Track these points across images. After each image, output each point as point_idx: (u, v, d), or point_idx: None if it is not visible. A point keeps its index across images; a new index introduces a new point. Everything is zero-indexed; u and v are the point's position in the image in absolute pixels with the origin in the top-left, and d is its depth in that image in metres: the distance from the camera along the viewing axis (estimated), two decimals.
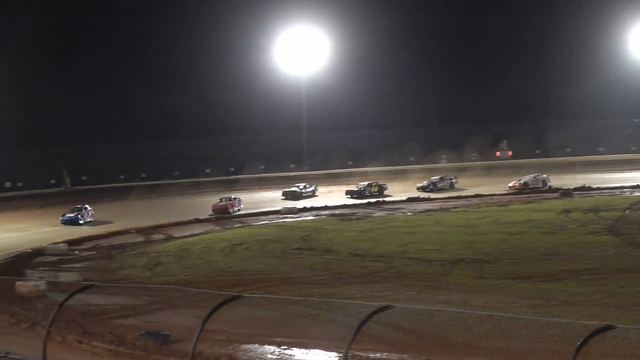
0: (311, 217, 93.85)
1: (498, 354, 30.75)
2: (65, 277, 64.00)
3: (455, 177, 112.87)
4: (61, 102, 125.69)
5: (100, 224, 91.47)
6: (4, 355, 21.31)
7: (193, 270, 62.98)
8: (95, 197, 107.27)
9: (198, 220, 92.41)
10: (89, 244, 79.91)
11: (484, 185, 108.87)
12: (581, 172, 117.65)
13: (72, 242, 79.30)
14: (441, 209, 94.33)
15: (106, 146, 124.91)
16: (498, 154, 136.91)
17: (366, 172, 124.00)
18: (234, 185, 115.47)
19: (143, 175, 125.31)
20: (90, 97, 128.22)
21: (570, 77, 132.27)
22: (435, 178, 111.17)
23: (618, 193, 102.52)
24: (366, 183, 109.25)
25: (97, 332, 43.71)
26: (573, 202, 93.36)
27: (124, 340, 41.95)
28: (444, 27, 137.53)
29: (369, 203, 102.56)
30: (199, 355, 17.72)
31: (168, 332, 40.91)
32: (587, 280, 50.97)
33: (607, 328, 16.41)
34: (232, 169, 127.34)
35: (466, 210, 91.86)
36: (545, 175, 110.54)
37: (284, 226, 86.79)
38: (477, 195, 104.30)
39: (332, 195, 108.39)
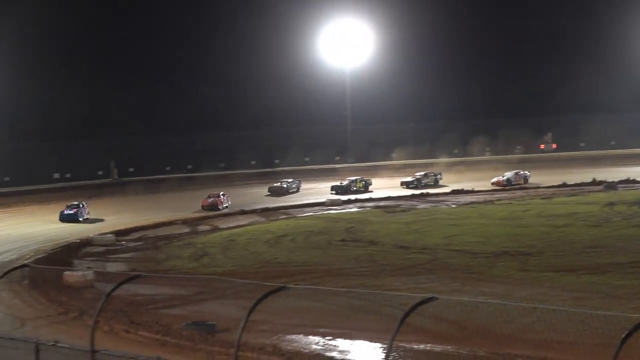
0: (355, 209, 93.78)
1: (542, 346, 30.64)
2: (112, 267, 64.40)
3: (440, 174, 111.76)
4: (110, 96, 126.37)
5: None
6: (52, 344, 21.42)
7: (238, 261, 63.08)
8: (140, 188, 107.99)
9: (243, 212, 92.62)
10: (135, 235, 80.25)
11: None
12: (625, 165, 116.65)
13: (119, 233, 79.70)
14: (485, 202, 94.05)
15: (153, 138, 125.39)
16: (542, 146, 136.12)
17: (409, 164, 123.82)
18: (277, 176, 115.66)
19: (189, 166, 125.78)
20: (138, 91, 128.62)
21: (613, 71, 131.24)
22: (420, 174, 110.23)
23: None
24: (353, 178, 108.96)
25: (144, 322, 43.95)
26: (617, 195, 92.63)
27: (171, 330, 42.18)
28: (486, 20, 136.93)
29: (413, 195, 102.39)
30: (244, 345, 17.75)
31: (214, 322, 41.06)
32: (631, 273, 50.61)
33: None
34: (276, 161, 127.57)
35: (510, 203, 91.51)
36: (527, 172, 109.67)
37: (329, 218, 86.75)
38: (521, 188, 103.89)
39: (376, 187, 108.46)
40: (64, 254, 70.21)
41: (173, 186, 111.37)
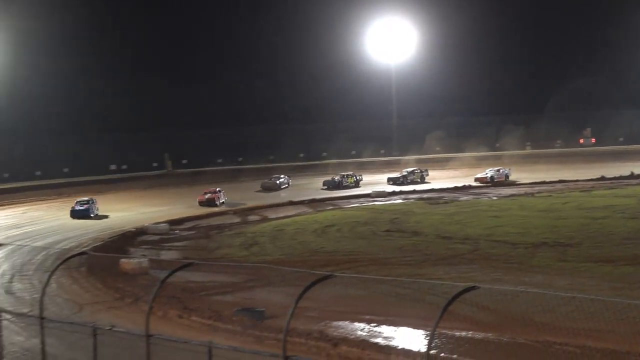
0: (400, 201, 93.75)
1: (580, 334, 30.46)
2: (166, 255, 64.69)
3: (426, 170, 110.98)
4: (164, 91, 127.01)
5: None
6: (109, 328, 21.55)
7: (287, 250, 63.17)
8: (194, 180, 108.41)
9: (291, 203, 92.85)
10: (188, 224, 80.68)
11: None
12: None
13: (173, 222, 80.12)
14: (525, 194, 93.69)
15: (205, 131, 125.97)
16: (581, 141, 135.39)
17: (453, 157, 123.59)
18: (325, 169, 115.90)
19: (240, 159, 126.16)
20: (192, 86, 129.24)
21: None
22: (406, 171, 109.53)
23: None
24: (344, 173, 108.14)
25: (196, 307, 44.13)
26: None
27: (222, 316, 42.31)
28: (524, 17, 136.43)
29: (455, 187, 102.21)
30: (292, 331, 17.80)
31: (263, 309, 41.14)
32: None
33: None
34: (324, 154, 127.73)
35: (550, 196, 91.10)
36: (507, 169, 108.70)
37: (374, 209, 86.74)
38: (560, 181, 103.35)
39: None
40: (120, 242, 70.77)
41: (226, 177, 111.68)
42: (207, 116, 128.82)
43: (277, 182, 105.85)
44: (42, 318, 22.56)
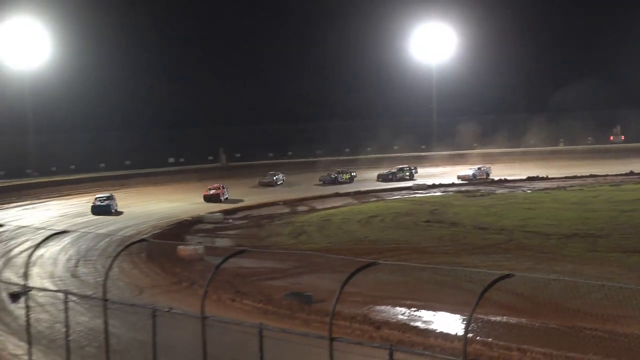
0: (439, 193, 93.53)
1: (609, 320, 30.29)
2: (220, 242, 64.90)
3: (415, 167, 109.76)
4: (220, 89, 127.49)
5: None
6: (167, 310, 21.69)
7: (333, 239, 63.20)
8: (246, 172, 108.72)
9: (337, 194, 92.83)
10: (241, 214, 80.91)
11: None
12: None
13: (226, 212, 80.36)
14: (558, 188, 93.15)
15: (258, 127, 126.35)
16: (611, 138, 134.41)
17: (488, 153, 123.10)
18: (374, 163, 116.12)
19: (289, 153, 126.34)
20: (244, 85, 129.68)
21: None
22: (395, 168, 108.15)
23: None
24: (340, 170, 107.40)
25: (248, 292, 44.28)
26: None
27: (272, 299, 42.43)
28: (556, 19, 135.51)
29: (492, 181, 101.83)
30: (337, 315, 17.84)
31: (310, 294, 41.21)
32: None
33: None
34: (368, 149, 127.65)
35: (581, 189, 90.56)
36: (488, 167, 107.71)
37: (415, 201, 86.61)
38: (591, 176, 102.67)
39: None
40: (178, 230, 71.13)
41: (280, 170, 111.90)
42: (259, 113, 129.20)
43: (274, 178, 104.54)
44: (105, 300, 22.73)
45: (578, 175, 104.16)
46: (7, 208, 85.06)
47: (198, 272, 50.00)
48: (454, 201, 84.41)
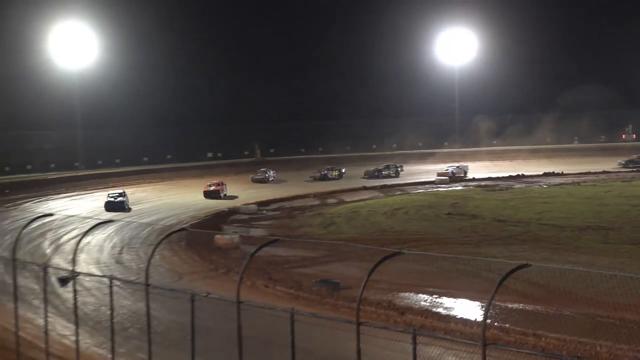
0: (460, 187, 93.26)
1: (620, 308, 30.12)
2: (254, 232, 64.99)
3: (401, 166, 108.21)
4: (256, 89, 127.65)
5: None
6: (205, 295, 21.73)
7: (360, 230, 63.17)
8: (279, 166, 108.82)
9: (365, 188, 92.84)
10: (274, 206, 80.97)
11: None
12: None
13: (261, 204, 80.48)
14: (573, 183, 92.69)
15: (291, 124, 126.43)
16: (623, 137, 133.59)
17: (506, 150, 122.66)
18: (395, 159, 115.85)
19: (320, 149, 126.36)
20: (279, 85, 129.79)
21: None
22: (382, 166, 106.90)
23: None
24: (329, 167, 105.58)
25: (280, 278, 44.34)
26: None
27: (302, 286, 42.47)
28: (570, 25, 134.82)
29: (510, 176, 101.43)
30: (364, 301, 17.86)
31: (339, 281, 41.23)
32: None
33: None
34: (394, 145, 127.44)
35: (594, 185, 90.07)
36: (466, 165, 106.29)
37: (437, 194, 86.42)
38: (604, 172, 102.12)
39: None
40: (215, 220, 71.34)
41: (309, 164, 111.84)
42: (293, 111, 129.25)
43: (266, 175, 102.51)
44: (147, 285, 22.81)
45: (591, 171, 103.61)
46: (57, 198, 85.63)
47: (234, 259, 50.11)
48: (474, 195, 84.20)
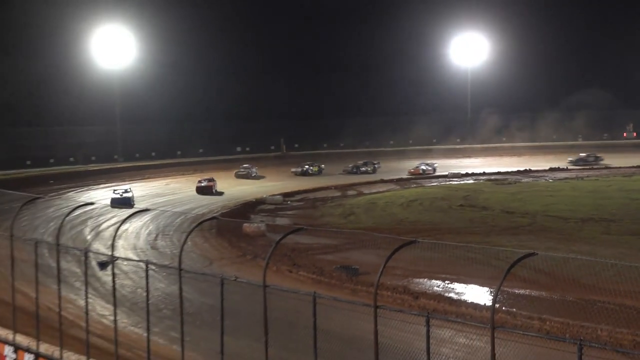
0: (472, 181, 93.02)
1: (620, 295, 30.02)
2: (280, 221, 65.05)
3: (378, 163, 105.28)
4: (281, 88, 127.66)
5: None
6: (233, 279, 21.76)
7: (378, 220, 63.19)
8: (301, 160, 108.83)
9: (383, 181, 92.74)
10: (298, 197, 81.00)
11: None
12: None
13: (286, 195, 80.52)
14: (576, 178, 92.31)
15: (315, 121, 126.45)
16: (625, 134, 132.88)
17: (515, 146, 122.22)
18: (408, 154, 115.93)
19: (341, 144, 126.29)
20: (304, 84, 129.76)
21: None
22: (360, 162, 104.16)
23: None
24: (310, 162, 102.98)
25: (303, 264, 44.45)
26: None
27: (324, 271, 42.58)
28: (575, 30, 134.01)
29: (518, 171, 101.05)
30: (381, 286, 17.85)
31: (357, 267, 41.30)
32: None
33: None
34: (410, 141, 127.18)
35: (597, 179, 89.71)
36: (434, 163, 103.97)
37: (450, 187, 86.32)
38: (606, 167, 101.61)
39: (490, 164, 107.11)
40: (243, 210, 71.46)
41: (329, 158, 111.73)
42: (317, 109, 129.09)
43: (249, 171, 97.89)
44: (180, 269, 22.86)
45: (594, 167, 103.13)
46: (97, 189, 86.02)
47: (260, 246, 50.24)
48: (484, 188, 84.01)
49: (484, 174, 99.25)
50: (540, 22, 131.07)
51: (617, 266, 24.94)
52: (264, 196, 78.20)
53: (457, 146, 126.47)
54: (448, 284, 39.00)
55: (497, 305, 26.69)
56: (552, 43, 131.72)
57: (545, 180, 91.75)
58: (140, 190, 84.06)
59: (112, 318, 25.45)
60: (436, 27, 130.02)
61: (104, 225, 59.45)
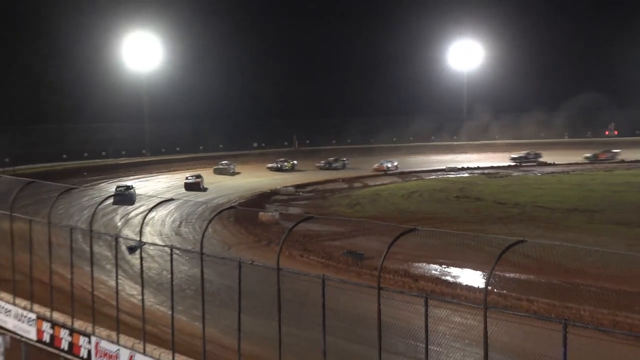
0: (467, 174, 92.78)
1: (601, 278, 30.03)
2: (292, 210, 65.14)
3: (348, 159, 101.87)
4: (294, 88, 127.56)
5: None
6: (250, 262, 21.82)
7: (381, 209, 63.21)
8: (312, 155, 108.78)
9: (386, 174, 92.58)
10: (309, 188, 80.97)
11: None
12: None
13: (298, 186, 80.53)
14: (563, 172, 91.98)
15: (325, 120, 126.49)
16: (607, 132, 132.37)
17: (509, 143, 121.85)
18: (413, 150, 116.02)
19: (348, 140, 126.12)
20: (314, 86, 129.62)
21: None
22: (331, 159, 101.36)
23: None
24: (283, 159, 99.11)
25: (313, 249, 44.55)
26: None
27: (332, 256, 42.67)
28: (560, 37, 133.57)
29: (509, 165, 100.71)
30: (384, 269, 17.88)
31: (363, 252, 41.39)
32: None
33: None
34: (411, 138, 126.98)
35: (581, 173, 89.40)
36: (395, 162, 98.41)
37: (447, 180, 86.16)
38: (590, 163, 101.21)
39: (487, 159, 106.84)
40: (259, 200, 71.49)
41: (337, 153, 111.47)
42: (327, 108, 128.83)
43: (228, 167, 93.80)
44: (202, 253, 22.94)
45: (579, 162, 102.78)
46: (127, 180, 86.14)
47: (274, 233, 50.35)
48: (479, 181, 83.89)
49: (478, 168, 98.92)
50: (529, 31, 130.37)
51: (599, 252, 24.99)
52: (278, 187, 78.25)
53: (454, 143, 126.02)
54: (445, 268, 39.07)
55: (489, 288, 26.69)
56: (541, 50, 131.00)
57: (534, 174, 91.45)
58: (165, 181, 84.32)
59: (139, 297, 25.56)
60: (437, 35, 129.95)
61: (132, 214, 59.59)
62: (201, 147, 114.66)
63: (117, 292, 26.50)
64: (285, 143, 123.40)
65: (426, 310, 17.28)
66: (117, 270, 27.10)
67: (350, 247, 44.04)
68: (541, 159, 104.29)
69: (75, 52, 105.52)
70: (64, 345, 26.68)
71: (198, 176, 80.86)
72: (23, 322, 28.78)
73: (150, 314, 27.21)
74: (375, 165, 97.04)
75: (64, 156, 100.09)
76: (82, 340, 26.03)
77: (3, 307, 30.05)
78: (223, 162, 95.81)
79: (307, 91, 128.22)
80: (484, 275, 34.75)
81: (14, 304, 29.66)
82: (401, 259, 37.77)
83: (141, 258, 26.01)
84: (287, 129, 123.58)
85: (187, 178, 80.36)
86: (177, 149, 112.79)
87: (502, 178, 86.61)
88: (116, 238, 28.14)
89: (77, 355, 25.87)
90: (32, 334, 28.04)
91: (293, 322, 20.70)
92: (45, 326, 27.76)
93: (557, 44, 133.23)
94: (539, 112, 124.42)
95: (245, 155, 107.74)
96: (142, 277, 25.64)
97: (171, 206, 60.93)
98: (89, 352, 25.66)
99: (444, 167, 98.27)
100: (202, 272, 22.69)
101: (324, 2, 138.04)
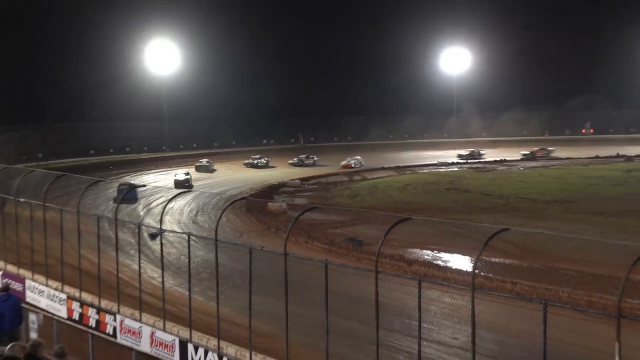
0: (456, 169, 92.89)
1: (578, 263, 30.00)
2: (298, 201, 65.18)
3: (317, 157, 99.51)
4: (301, 89, 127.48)
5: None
6: (260, 248, 21.83)
7: (379, 200, 63.22)
8: (317, 151, 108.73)
9: (383, 168, 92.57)
10: (313, 181, 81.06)
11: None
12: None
13: (303, 179, 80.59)
14: (543, 166, 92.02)
15: (329, 119, 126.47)
16: (583, 131, 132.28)
17: (495, 140, 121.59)
18: (411, 147, 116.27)
19: (349, 137, 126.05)
20: (318, 87, 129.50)
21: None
22: (302, 156, 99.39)
23: None
24: (258, 156, 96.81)
25: (317, 236, 44.58)
26: (634, 164, 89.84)
27: (334, 242, 42.69)
28: (544, 41, 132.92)
29: (495, 161, 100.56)
30: (381, 255, 17.91)
31: (362, 239, 41.40)
32: None
33: None
34: (406, 136, 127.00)
35: (560, 168, 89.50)
36: (361, 160, 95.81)
37: (438, 174, 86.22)
38: (568, 158, 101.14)
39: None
40: (268, 191, 71.59)
41: (341, 150, 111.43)
42: (330, 107, 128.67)
43: (208, 164, 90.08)
44: (216, 240, 22.95)
45: (558, 157, 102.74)
46: (148, 174, 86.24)
47: (282, 222, 50.37)
48: (467, 175, 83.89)
49: (466, 163, 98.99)
50: (513, 39, 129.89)
51: (576, 239, 24.96)
52: (285, 180, 78.35)
53: (445, 140, 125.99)
54: (436, 253, 39.06)
55: (476, 271, 26.69)
56: (524, 55, 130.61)
57: (518, 168, 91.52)
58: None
59: (160, 279, 25.58)
60: (431, 43, 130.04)
61: (153, 204, 59.56)
62: (215, 144, 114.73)
63: (139, 275, 26.53)
64: (292, 140, 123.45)
65: (419, 292, 17.30)
66: (139, 255, 27.12)
67: (351, 235, 44.06)
68: (483, 154, 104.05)
69: (102, 58, 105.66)
70: (92, 322, 26.76)
71: (187, 173, 76.57)
72: (55, 301, 28.88)
73: (169, 295, 27.25)
74: (343, 162, 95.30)
75: (92, 152, 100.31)
76: (108, 318, 26.11)
77: (37, 288, 30.13)
78: (203, 160, 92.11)
79: (312, 92, 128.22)
80: (471, 260, 34.74)
81: (46, 285, 29.74)
82: (397, 245, 37.75)
83: (161, 244, 26.05)
84: (294, 128, 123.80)
85: (176, 175, 76.71)
86: (194, 145, 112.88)
87: (489, 172, 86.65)
88: (139, 226, 28.17)
89: (103, 332, 25.94)
90: (62, 313, 28.10)
91: (299, 302, 20.72)
92: (75, 305, 27.83)
93: (538, 51, 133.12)
94: (522, 112, 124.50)
95: (253, 152, 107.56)
96: (162, 261, 25.66)
97: (189, 197, 61.04)
98: (114, 328, 25.74)
99: (436, 162, 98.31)
100: (216, 257, 22.71)
101: (328, 15, 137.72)
